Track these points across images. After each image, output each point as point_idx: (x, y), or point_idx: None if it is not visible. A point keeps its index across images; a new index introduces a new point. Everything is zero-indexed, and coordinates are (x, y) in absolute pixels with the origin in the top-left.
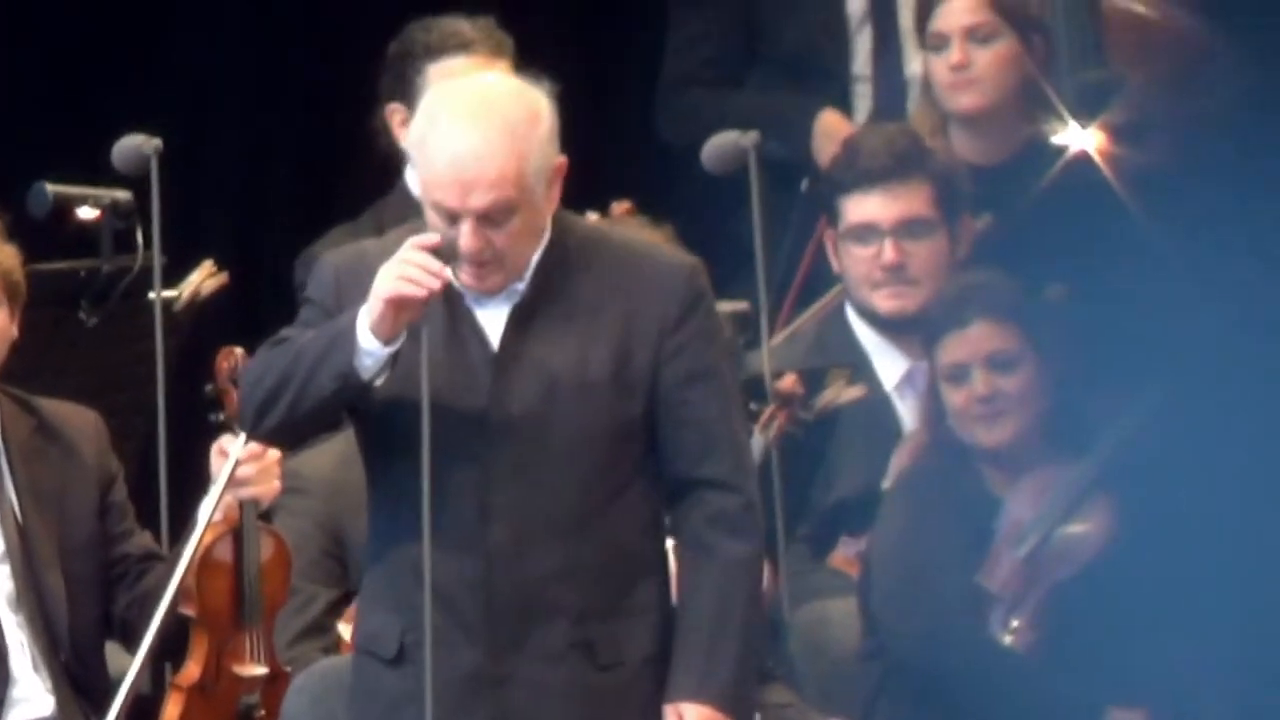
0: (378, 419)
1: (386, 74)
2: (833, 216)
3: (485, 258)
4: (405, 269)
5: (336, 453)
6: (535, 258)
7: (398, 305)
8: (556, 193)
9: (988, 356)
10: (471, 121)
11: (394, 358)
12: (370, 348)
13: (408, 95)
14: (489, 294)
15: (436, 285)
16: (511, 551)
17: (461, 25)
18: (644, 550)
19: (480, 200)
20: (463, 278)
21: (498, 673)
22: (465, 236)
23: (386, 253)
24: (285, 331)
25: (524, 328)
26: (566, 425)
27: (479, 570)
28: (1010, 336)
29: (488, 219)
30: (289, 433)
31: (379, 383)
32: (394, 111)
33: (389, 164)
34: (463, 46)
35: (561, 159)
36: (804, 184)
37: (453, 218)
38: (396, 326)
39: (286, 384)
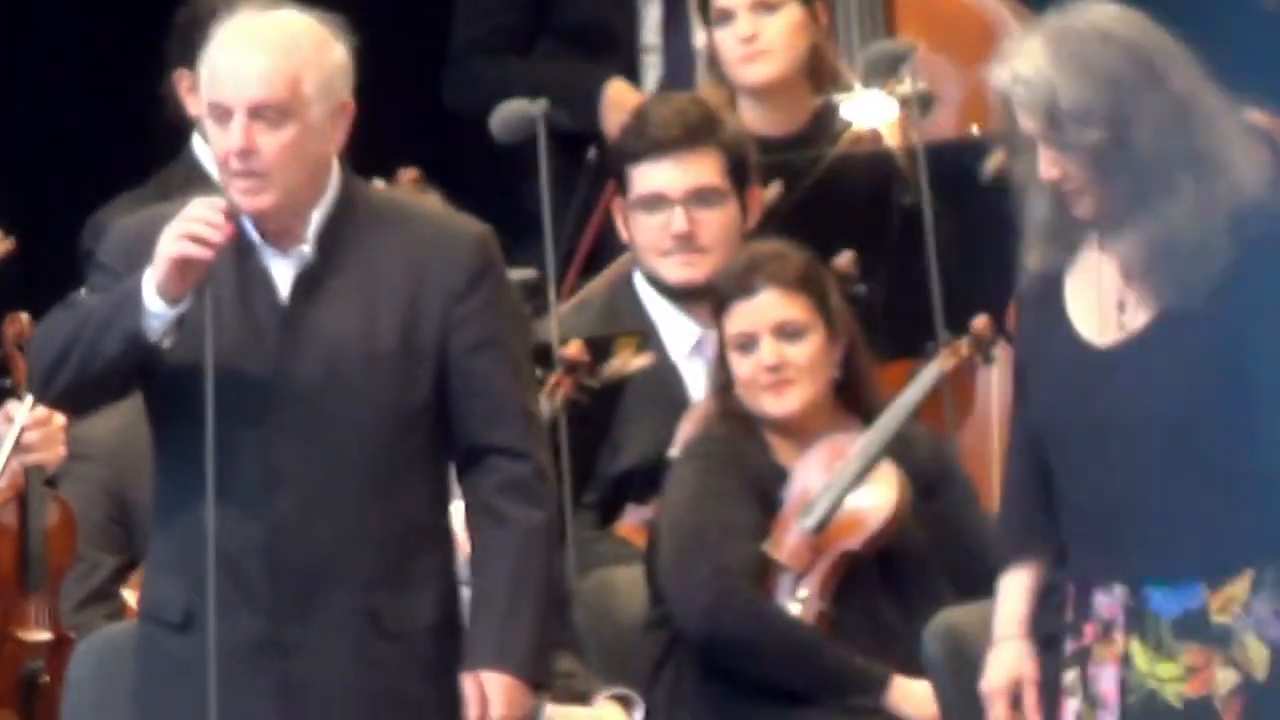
0: (163, 381)
1: (173, 40)
2: (622, 185)
3: (253, 165)
4: (189, 227)
5: (121, 418)
6: (318, 215)
7: (182, 265)
8: (340, 134)
9: (776, 326)
10: (256, 29)
11: (180, 319)
12: (156, 309)
13: (195, 62)
14: (259, 216)
15: (219, 240)
16: (297, 519)
17: None
18: (431, 520)
19: (251, 91)
20: (232, 193)
21: (283, 641)
22: (234, 132)
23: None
24: (75, 295)
25: (311, 292)
26: (352, 394)
27: (264, 537)
28: (799, 306)
29: (258, 116)
30: (78, 396)
31: (166, 344)
32: (181, 78)
33: (175, 131)
34: (240, 7)
35: (348, 99)
36: (590, 153)
37: (225, 118)
38: (182, 287)
39: (73, 346)
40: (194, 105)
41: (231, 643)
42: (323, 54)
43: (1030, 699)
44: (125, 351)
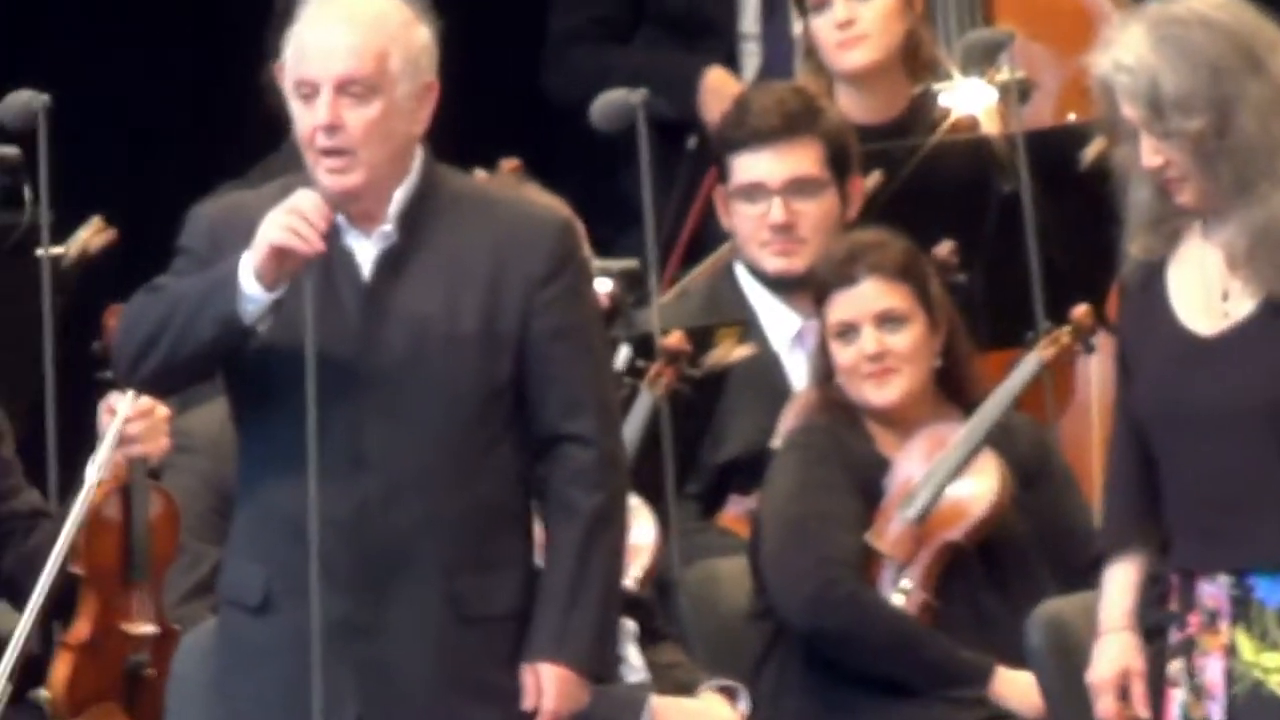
0: (249, 366)
1: (273, 30)
2: (723, 174)
3: (338, 141)
4: (293, 220)
5: (223, 410)
6: (400, 196)
7: (281, 254)
8: (425, 114)
9: (877, 315)
10: (343, 6)
11: (277, 304)
12: (253, 293)
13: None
14: (344, 195)
15: (320, 245)
16: (380, 500)
17: None
18: (511, 504)
19: (340, 65)
20: (318, 172)
21: (364, 622)
22: (320, 108)
23: (264, 203)
24: (160, 280)
25: (393, 274)
26: (435, 376)
27: (348, 518)
28: (900, 295)
29: (345, 92)
30: (165, 379)
31: (261, 329)
32: (280, 68)
33: (276, 122)
34: None
35: (433, 79)
36: (691, 142)
37: (312, 96)
38: (280, 274)
39: (164, 329)
40: None
41: (309, 624)
42: (409, 32)
43: (1138, 691)
44: (220, 335)
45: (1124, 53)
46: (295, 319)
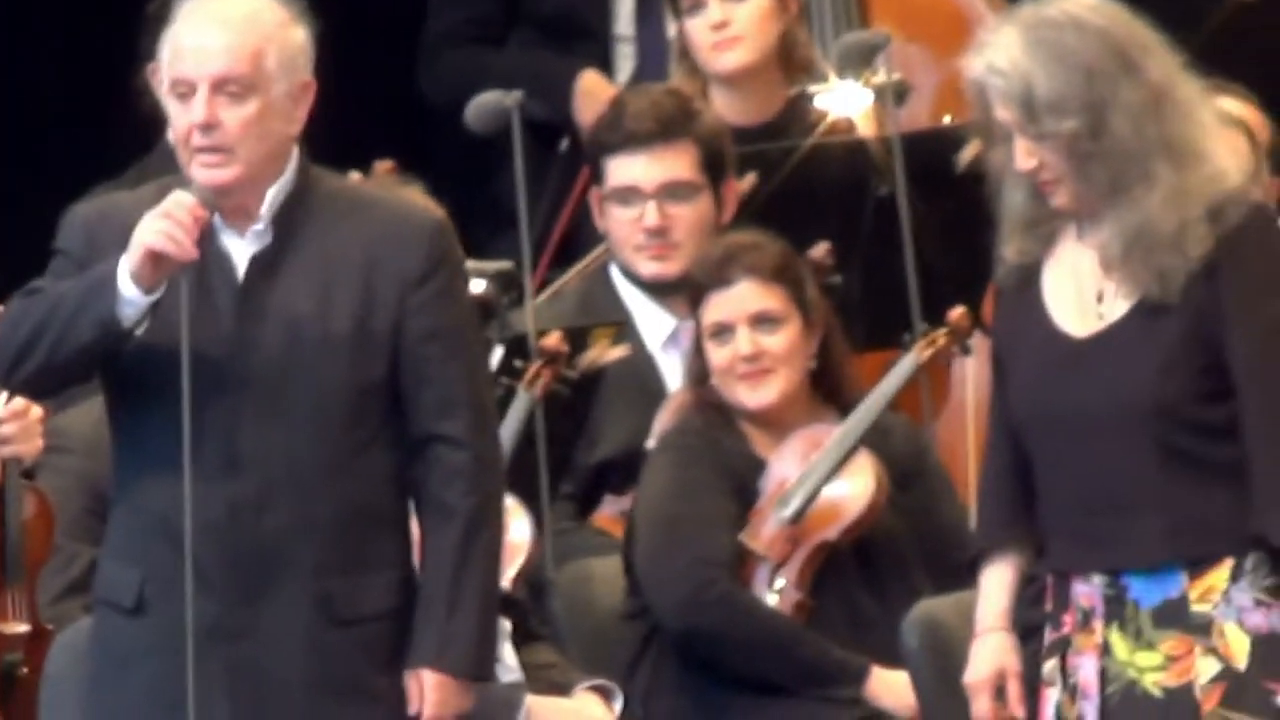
0: (125, 366)
1: (146, 34)
2: (597, 176)
3: (215, 139)
4: (167, 224)
5: (99, 410)
6: (274, 196)
7: (156, 258)
8: (301, 114)
9: (752, 316)
10: (218, 6)
11: (154, 306)
12: (130, 296)
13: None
14: (219, 191)
15: (194, 252)
16: (254, 502)
17: None
18: (385, 506)
19: (215, 65)
20: (194, 169)
21: (235, 625)
22: (197, 107)
23: (140, 204)
24: (37, 282)
25: (267, 274)
26: (309, 377)
27: (220, 519)
28: (775, 296)
29: (221, 91)
30: (44, 382)
31: (139, 331)
32: (154, 70)
33: (151, 123)
34: None
35: (309, 79)
36: (563, 144)
37: (188, 95)
38: (156, 277)
39: (43, 332)
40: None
41: (183, 626)
42: (285, 32)
43: (1014, 691)
44: (98, 338)
45: (997, 55)
46: (170, 320)
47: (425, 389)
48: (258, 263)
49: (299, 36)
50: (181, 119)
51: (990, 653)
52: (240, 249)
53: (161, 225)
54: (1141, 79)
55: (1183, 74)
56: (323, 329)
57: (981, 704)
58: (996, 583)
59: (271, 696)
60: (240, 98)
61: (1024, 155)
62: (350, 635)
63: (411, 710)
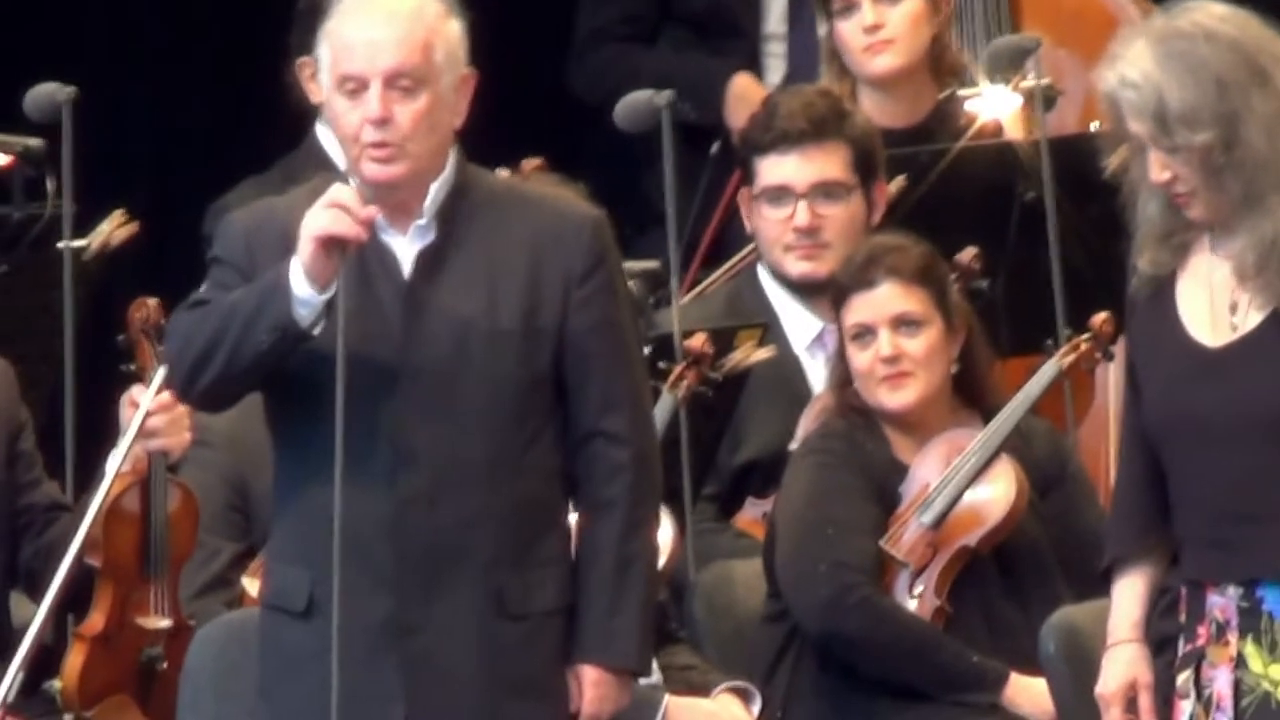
0: (288, 369)
1: (296, 28)
2: (748, 177)
3: (388, 135)
4: (335, 210)
5: (243, 406)
6: (436, 192)
7: (328, 245)
8: (463, 107)
9: (893, 318)
10: (382, 2)
11: (329, 305)
12: (305, 295)
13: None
14: (388, 187)
15: (365, 232)
16: (424, 498)
17: None
18: (552, 501)
19: (388, 59)
20: (364, 165)
21: (408, 621)
22: (371, 102)
23: (295, 208)
24: (201, 294)
25: (432, 271)
26: (478, 372)
27: (392, 517)
28: (917, 299)
29: (394, 86)
30: (223, 391)
31: (317, 331)
32: (304, 65)
33: (300, 118)
34: None
35: (469, 71)
36: (714, 147)
37: (359, 91)
38: (328, 270)
39: (219, 342)
40: (316, 92)
41: (357, 625)
42: (447, 24)
43: (1145, 703)
44: (277, 342)
45: (1129, 68)
46: (332, 319)
47: (589, 385)
48: (423, 259)
49: (458, 29)
50: (351, 115)
51: (1122, 664)
52: (403, 246)
53: (329, 212)
54: (1274, 89)
55: None
56: (490, 325)
57: (1113, 716)
58: (1129, 593)
59: (446, 691)
60: (412, 92)
61: (1158, 168)
62: (521, 630)
63: (574, 706)
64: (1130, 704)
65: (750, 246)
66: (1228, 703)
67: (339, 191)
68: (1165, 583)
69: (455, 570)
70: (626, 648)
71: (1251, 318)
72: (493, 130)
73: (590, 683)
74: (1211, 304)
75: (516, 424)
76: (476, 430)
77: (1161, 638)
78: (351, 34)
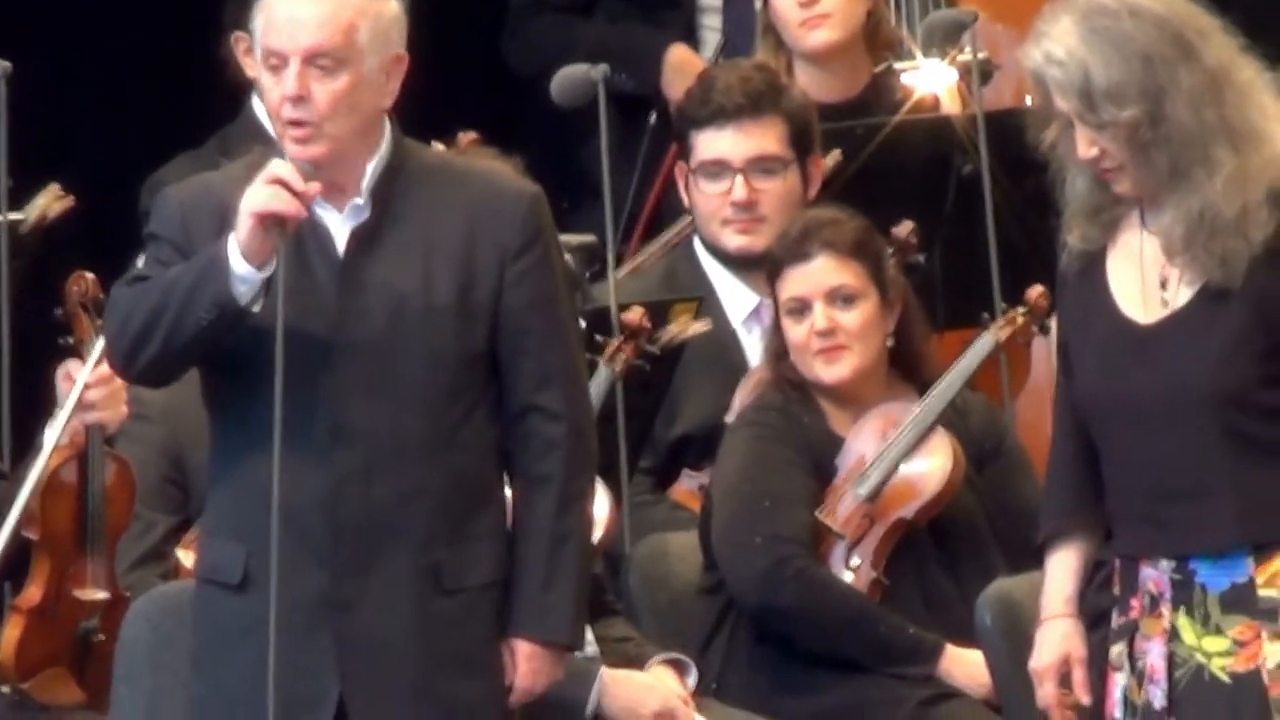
0: (225, 345)
1: (229, 2)
2: (685, 151)
3: (305, 113)
4: (274, 187)
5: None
6: (371, 168)
7: (267, 222)
8: (393, 88)
9: (829, 291)
10: None
11: (268, 281)
12: (244, 272)
13: (249, 23)
14: (315, 167)
15: (304, 209)
16: (360, 474)
17: None
18: (487, 476)
19: (308, 38)
20: (285, 143)
21: (343, 596)
22: (289, 79)
23: (232, 183)
24: (139, 270)
25: (367, 248)
26: (414, 348)
27: (327, 492)
28: (852, 272)
29: (313, 64)
30: (164, 369)
31: (255, 309)
32: (238, 40)
33: (237, 92)
34: None
35: (402, 52)
36: (651, 117)
37: (280, 67)
38: (266, 247)
39: (159, 319)
40: (251, 67)
41: (292, 599)
42: (378, 5)
43: (1079, 677)
44: (216, 319)
45: (1054, 45)
46: (271, 296)
47: (523, 360)
48: (357, 236)
49: (391, 9)
50: (274, 91)
51: (1056, 638)
52: (338, 223)
53: (268, 189)
54: (1200, 64)
55: (1242, 57)
56: (425, 301)
57: (1047, 689)
58: (1062, 568)
59: (382, 666)
60: (332, 71)
61: (1085, 144)
62: (457, 604)
63: (508, 679)
64: (1064, 678)
65: (686, 220)
66: (1161, 675)
67: (279, 167)
68: (1100, 557)
69: (391, 546)
70: (560, 622)
71: (1182, 293)
72: (428, 104)
73: (524, 657)
74: (1142, 280)
75: (452, 400)
76: (413, 406)
77: (1096, 612)
78: (277, 10)
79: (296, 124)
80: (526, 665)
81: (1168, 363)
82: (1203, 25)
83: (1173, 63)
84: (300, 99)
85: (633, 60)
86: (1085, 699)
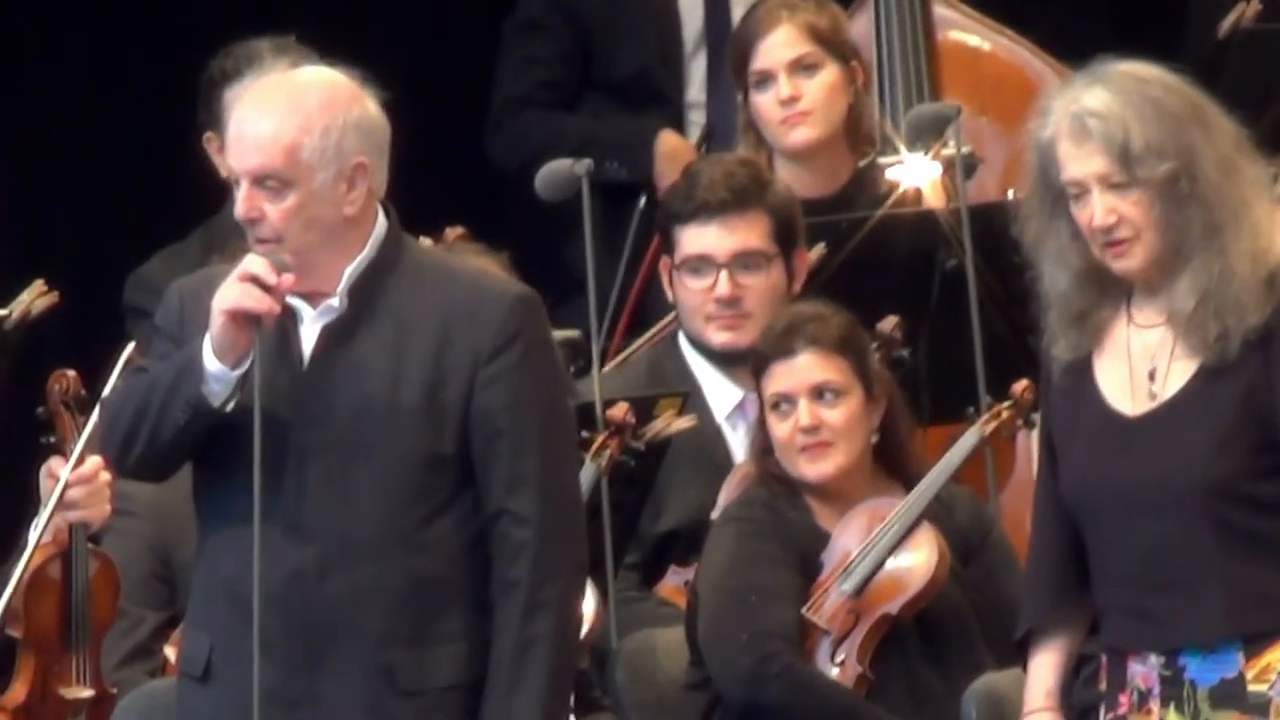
0: (208, 437)
1: (199, 104)
2: (669, 246)
3: (262, 232)
4: (244, 285)
5: None
6: (349, 270)
7: (239, 319)
8: (356, 195)
9: (813, 387)
10: (265, 92)
11: (242, 380)
12: (216, 371)
13: (218, 123)
14: (299, 272)
15: (276, 305)
16: (313, 571)
17: (259, 45)
18: (456, 579)
19: (249, 160)
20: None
21: (293, 694)
22: (239, 201)
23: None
24: (141, 364)
25: (338, 345)
26: (375, 447)
27: (282, 588)
28: (837, 368)
29: (260, 185)
30: (155, 465)
31: (230, 408)
32: (209, 140)
33: (220, 185)
34: (258, 66)
35: (364, 158)
36: (641, 201)
37: (239, 183)
38: (240, 344)
39: (143, 418)
40: (224, 166)
41: (249, 693)
42: (329, 116)
43: None
44: (191, 419)
45: (1092, 102)
46: (246, 393)
47: (496, 464)
48: (328, 333)
49: (351, 117)
50: (239, 205)
51: None
52: (311, 319)
53: (239, 286)
54: (1217, 132)
55: (1246, 146)
56: (389, 402)
57: None
58: (1044, 663)
59: None
60: (280, 191)
61: (1103, 211)
62: (414, 706)
63: None
64: None
65: (671, 314)
66: None
67: (251, 263)
68: (1087, 650)
69: (342, 644)
70: None
71: (1171, 384)
72: (414, 200)
73: None
74: (1131, 374)
75: (414, 500)
76: (367, 505)
77: (1084, 707)
78: (233, 125)
79: (257, 241)
80: None
81: (1157, 452)
82: (1206, 102)
83: (1199, 126)
84: (252, 220)
85: (624, 148)
86: None
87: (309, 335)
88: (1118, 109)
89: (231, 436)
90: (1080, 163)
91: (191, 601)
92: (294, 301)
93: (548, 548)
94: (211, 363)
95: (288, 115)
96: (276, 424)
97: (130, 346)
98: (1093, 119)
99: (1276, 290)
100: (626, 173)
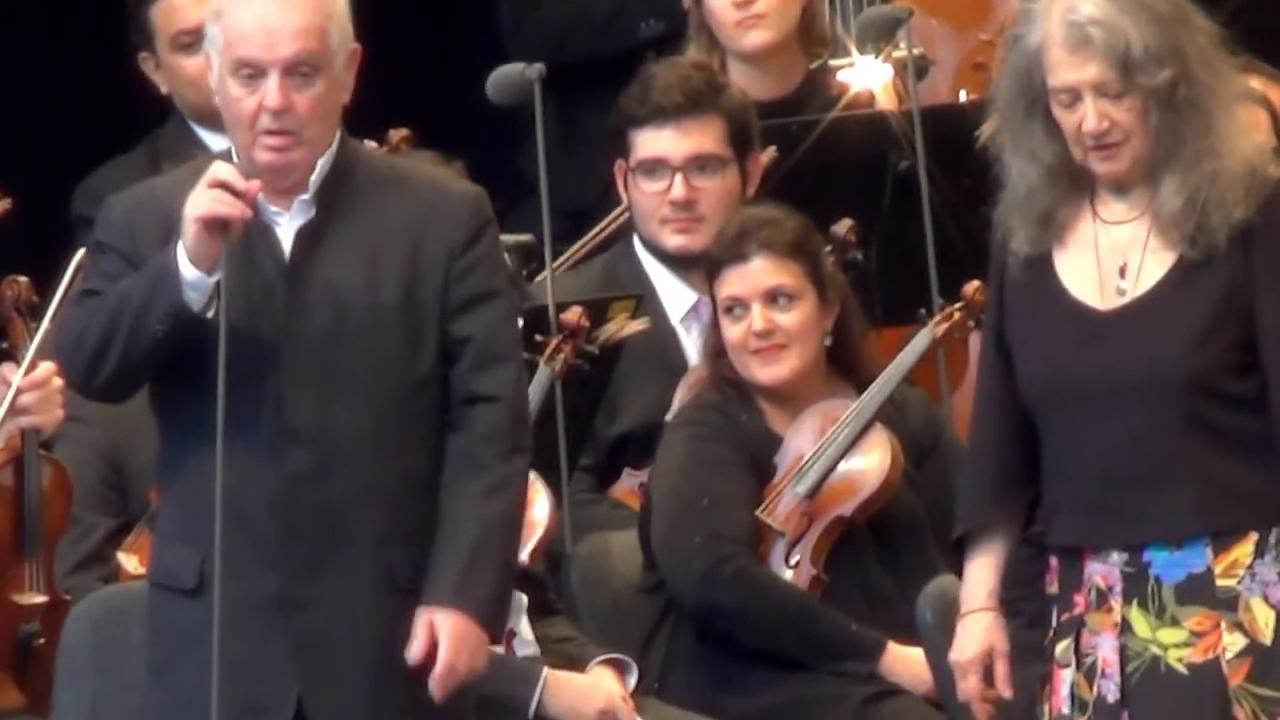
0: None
1: (130, 25)
2: (624, 149)
3: (287, 123)
4: (216, 191)
5: None
6: (321, 164)
7: (211, 226)
8: (350, 81)
9: (766, 291)
10: None
11: (218, 286)
12: (193, 278)
13: (149, 42)
14: (284, 171)
15: (249, 210)
16: (312, 474)
17: None
18: (436, 474)
19: (288, 48)
20: (260, 154)
21: (297, 597)
22: (271, 93)
23: (177, 187)
24: (90, 284)
25: (313, 247)
26: (361, 345)
27: (278, 493)
28: (790, 272)
29: (294, 73)
30: (123, 383)
31: (211, 314)
32: (144, 60)
33: (167, 97)
34: None
35: (356, 45)
36: None
37: (256, 76)
38: (213, 251)
39: (113, 334)
40: (163, 83)
41: (246, 601)
42: (337, 2)
43: (1001, 671)
44: (171, 329)
45: (1089, 7)
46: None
47: (466, 349)
48: (303, 235)
49: (344, 3)
50: (247, 101)
51: (978, 632)
52: (285, 222)
53: (210, 192)
54: (1200, 37)
55: (1223, 41)
56: (370, 298)
57: (969, 683)
58: (983, 561)
59: (339, 667)
60: (310, 78)
61: (1096, 117)
62: (411, 602)
63: (415, 651)
64: (987, 672)
65: (616, 211)
66: (1114, 668)
67: (220, 169)
68: (1033, 538)
69: (345, 545)
70: (484, 596)
71: (1145, 279)
72: (363, 103)
73: (446, 629)
74: (1099, 269)
75: (402, 399)
76: (362, 406)
77: (1026, 649)
78: (245, 19)
79: (277, 133)
80: (451, 638)
81: (1132, 346)
82: (1193, 6)
83: (1186, 29)
84: (283, 110)
85: (651, 4)
86: (1007, 693)
87: (284, 239)
88: (1115, 15)
89: (203, 343)
90: (1075, 70)
91: (168, 514)
92: (261, 204)
93: (518, 428)
94: (188, 270)
95: (312, 3)
96: (254, 330)
97: (80, 254)
98: (1093, 27)
99: (1258, 185)
100: (663, 27)
